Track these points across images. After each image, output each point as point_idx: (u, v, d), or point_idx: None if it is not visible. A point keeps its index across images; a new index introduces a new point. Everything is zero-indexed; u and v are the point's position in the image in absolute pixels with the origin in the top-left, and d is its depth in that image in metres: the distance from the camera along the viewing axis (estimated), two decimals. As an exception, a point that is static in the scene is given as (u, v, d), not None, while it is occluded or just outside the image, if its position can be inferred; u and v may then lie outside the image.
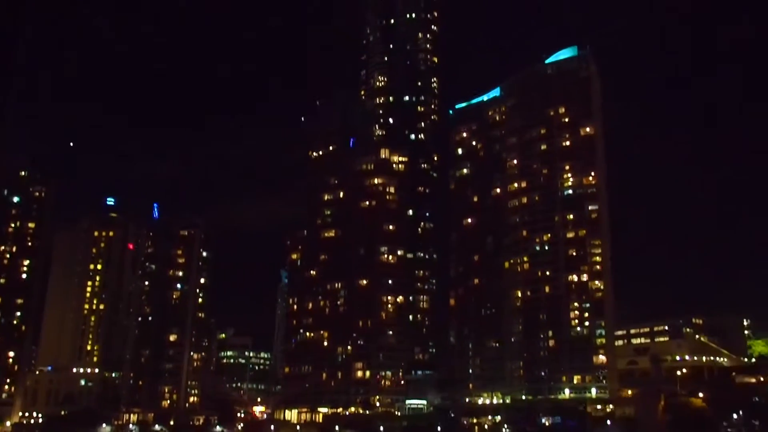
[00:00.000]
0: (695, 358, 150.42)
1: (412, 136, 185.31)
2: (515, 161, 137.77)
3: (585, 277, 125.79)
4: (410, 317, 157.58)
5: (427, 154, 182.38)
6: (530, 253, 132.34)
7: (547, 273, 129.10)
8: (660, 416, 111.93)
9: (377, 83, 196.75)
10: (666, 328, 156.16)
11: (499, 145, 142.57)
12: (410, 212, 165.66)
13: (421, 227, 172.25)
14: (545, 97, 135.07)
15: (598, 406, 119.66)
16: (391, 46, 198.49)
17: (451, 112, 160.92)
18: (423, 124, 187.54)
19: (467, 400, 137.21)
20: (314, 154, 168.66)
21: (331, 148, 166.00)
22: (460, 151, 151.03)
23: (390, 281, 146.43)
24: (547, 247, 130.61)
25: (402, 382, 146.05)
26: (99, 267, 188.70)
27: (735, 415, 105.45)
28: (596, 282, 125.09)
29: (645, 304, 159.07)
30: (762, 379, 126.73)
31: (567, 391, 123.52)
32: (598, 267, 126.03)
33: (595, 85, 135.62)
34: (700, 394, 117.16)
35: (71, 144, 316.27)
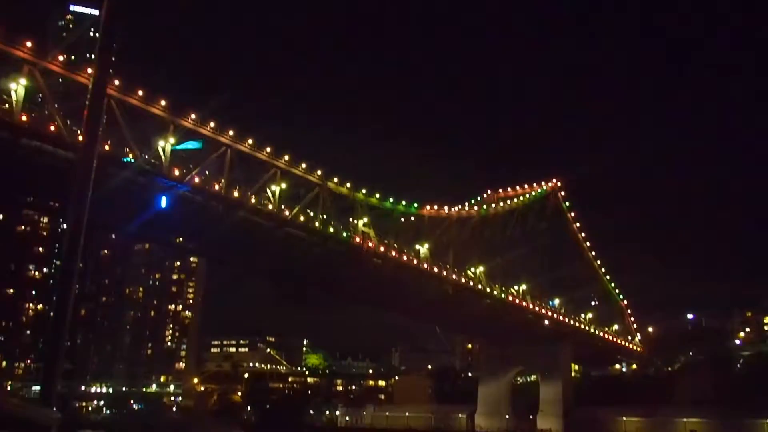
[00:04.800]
0: (263, 365, 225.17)
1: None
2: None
3: (180, 308, 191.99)
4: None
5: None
6: (145, 286, 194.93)
7: (155, 302, 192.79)
8: (209, 405, 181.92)
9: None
10: (247, 342, 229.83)
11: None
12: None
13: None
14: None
15: (173, 398, 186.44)
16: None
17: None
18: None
19: (83, 388, 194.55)
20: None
21: None
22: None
23: (33, 292, 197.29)
24: (158, 283, 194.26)
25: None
26: None
27: (250, 407, 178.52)
28: (186, 312, 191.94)
29: (241, 324, 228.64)
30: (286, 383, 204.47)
31: (154, 386, 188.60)
32: (190, 301, 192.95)
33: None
34: (239, 393, 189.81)
35: None
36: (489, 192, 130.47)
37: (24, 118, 59.85)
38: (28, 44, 62.32)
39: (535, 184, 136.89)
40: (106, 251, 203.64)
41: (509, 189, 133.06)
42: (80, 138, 62.47)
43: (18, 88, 60.53)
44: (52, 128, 61.17)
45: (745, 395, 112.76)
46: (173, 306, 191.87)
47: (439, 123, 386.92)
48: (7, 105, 60.41)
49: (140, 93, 69.42)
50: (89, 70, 65.88)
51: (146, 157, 69.95)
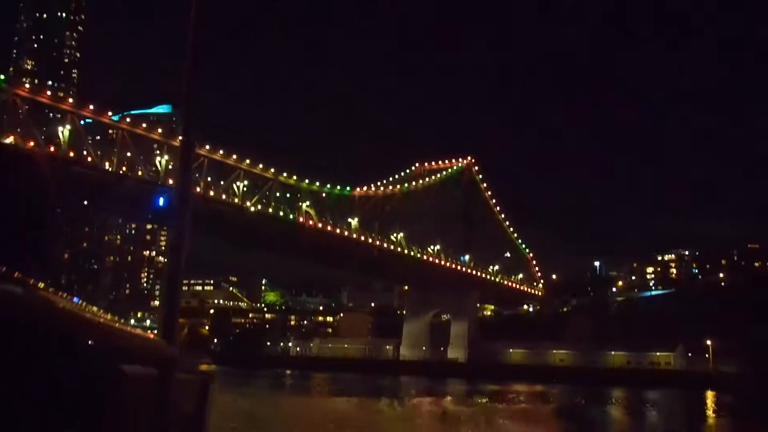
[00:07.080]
0: (227, 302, 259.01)
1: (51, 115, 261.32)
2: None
3: (154, 254, 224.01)
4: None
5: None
6: (122, 234, 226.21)
7: (131, 248, 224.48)
8: (180, 337, 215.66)
9: (26, 65, 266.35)
10: (212, 281, 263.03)
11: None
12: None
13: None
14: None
15: (149, 331, 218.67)
16: (42, 36, 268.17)
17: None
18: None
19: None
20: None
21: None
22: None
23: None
24: (134, 232, 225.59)
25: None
26: None
27: (216, 339, 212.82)
28: (160, 257, 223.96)
29: (207, 265, 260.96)
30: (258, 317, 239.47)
31: (132, 321, 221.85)
32: (162, 248, 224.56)
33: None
34: (206, 327, 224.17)
35: None
36: (417, 165, 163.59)
37: (71, 153, 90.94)
38: (70, 100, 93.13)
39: (454, 160, 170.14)
40: (86, 202, 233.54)
41: (433, 163, 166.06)
42: (107, 166, 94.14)
43: (64, 131, 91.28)
44: (89, 159, 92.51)
45: (611, 334, 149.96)
46: (147, 252, 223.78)
47: (371, 108, 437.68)
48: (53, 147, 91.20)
49: (143, 125, 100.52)
50: (110, 113, 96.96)
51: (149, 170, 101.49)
